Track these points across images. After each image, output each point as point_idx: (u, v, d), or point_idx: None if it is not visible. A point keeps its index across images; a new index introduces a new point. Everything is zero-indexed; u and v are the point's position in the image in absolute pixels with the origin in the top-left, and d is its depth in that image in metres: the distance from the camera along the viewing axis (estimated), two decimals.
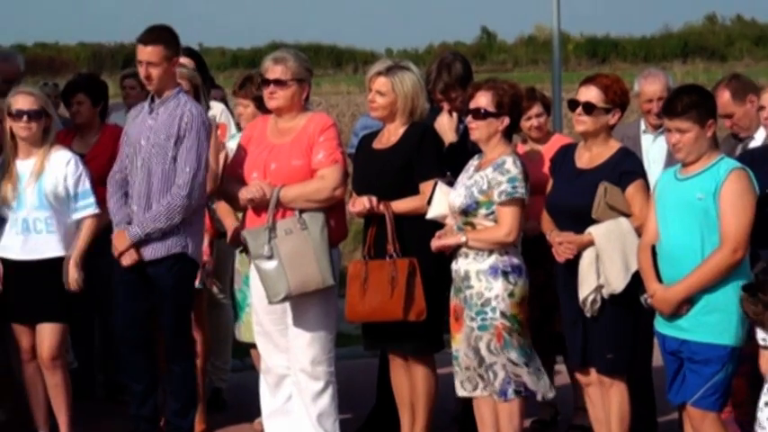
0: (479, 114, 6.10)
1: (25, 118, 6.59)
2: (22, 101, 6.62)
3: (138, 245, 6.37)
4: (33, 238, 6.62)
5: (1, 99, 7.25)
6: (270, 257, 6.17)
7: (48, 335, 6.65)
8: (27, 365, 6.79)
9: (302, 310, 6.31)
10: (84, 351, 7.58)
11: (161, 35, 6.44)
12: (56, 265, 6.62)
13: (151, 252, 6.40)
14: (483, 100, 6.09)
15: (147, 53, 6.38)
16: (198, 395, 6.79)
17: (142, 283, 6.46)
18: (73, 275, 6.60)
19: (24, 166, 6.65)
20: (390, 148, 6.42)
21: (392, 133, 6.46)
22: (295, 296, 6.19)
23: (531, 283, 6.13)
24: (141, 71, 6.42)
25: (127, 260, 6.39)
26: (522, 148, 7.03)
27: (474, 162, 6.18)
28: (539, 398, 6.15)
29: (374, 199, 6.28)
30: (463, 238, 6.03)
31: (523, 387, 6.05)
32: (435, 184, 6.19)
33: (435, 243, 6.11)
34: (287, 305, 6.31)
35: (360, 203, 6.32)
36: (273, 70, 6.34)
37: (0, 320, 6.86)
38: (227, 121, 7.57)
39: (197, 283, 6.83)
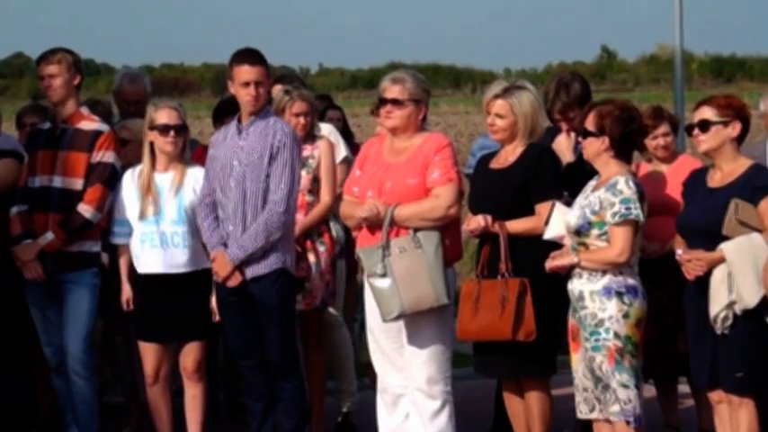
0: (585, 134, 6.09)
1: (172, 133, 6.72)
2: (167, 115, 6.73)
3: (239, 264, 6.44)
4: (171, 252, 6.71)
5: (131, 120, 7.42)
6: (383, 275, 6.19)
7: (192, 351, 6.78)
8: (150, 389, 6.89)
9: (417, 329, 6.31)
10: (207, 370, 7.67)
11: (260, 56, 6.53)
12: (195, 279, 6.71)
13: (253, 270, 6.44)
14: (588, 120, 6.09)
15: (255, 73, 6.45)
16: (310, 414, 6.81)
17: (247, 302, 6.52)
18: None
19: (163, 179, 6.76)
20: (508, 168, 6.41)
21: (510, 153, 6.44)
22: (409, 314, 6.19)
23: (651, 303, 6.06)
24: (249, 91, 6.43)
25: (232, 283, 6.45)
26: (645, 168, 6.95)
27: (592, 182, 6.14)
28: (642, 422, 6.04)
29: (489, 218, 6.28)
30: (576, 259, 5.99)
31: (632, 414, 5.96)
32: (553, 205, 6.16)
33: (549, 264, 6.09)
34: (402, 324, 6.31)
35: (474, 222, 6.32)
36: (391, 90, 6.38)
37: (127, 338, 7.02)
38: (336, 141, 7.61)
39: (317, 303, 6.90)
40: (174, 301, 6.70)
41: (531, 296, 6.16)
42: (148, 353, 6.84)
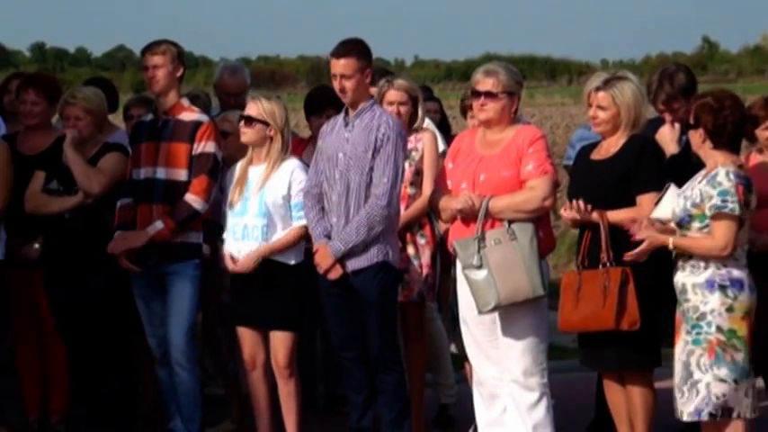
0: (687, 126, 6.06)
1: (242, 123, 6.78)
2: (248, 107, 6.83)
3: (341, 257, 6.45)
4: (249, 245, 6.74)
5: (232, 112, 7.47)
6: (479, 267, 6.18)
7: (281, 343, 6.78)
8: (250, 374, 6.94)
9: (512, 321, 6.29)
10: (306, 362, 7.72)
11: (353, 47, 6.53)
12: (285, 272, 6.73)
13: (355, 263, 6.46)
14: (690, 112, 6.04)
15: (340, 66, 6.48)
16: (410, 406, 6.80)
17: (349, 294, 6.53)
18: (246, 264, 6.69)
19: (254, 172, 6.81)
20: (609, 160, 6.34)
21: (612, 145, 6.38)
22: (504, 306, 6.18)
23: (761, 296, 5.95)
24: (336, 84, 6.51)
25: (333, 275, 6.47)
26: (755, 159, 6.85)
27: (700, 174, 6.06)
28: (733, 415, 5.93)
29: (587, 205, 6.22)
30: (670, 239, 5.91)
31: (721, 409, 5.87)
32: (668, 187, 6.08)
33: (638, 234, 5.99)
34: (496, 316, 6.30)
35: (571, 210, 6.26)
36: (484, 83, 6.35)
37: (228, 330, 7.07)
38: (435, 133, 7.58)
39: (414, 295, 6.89)
40: (261, 291, 6.73)
41: (633, 286, 6.09)
42: (245, 338, 6.89)
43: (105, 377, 7.05)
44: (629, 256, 6.01)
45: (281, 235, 6.72)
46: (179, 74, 7.03)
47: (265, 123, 6.75)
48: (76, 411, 7.48)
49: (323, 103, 7.61)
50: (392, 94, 7.06)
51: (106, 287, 6.96)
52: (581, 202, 6.22)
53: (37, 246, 7.14)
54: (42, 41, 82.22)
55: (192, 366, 6.96)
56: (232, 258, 6.75)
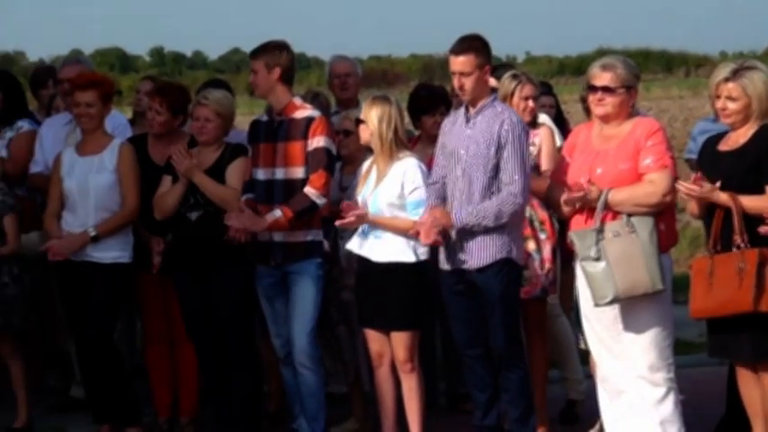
0: None
1: (361, 125, 6.77)
2: (363, 110, 6.85)
3: (461, 253, 6.41)
4: (369, 243, 6.77)
5: (353, 110, 7.50)
6: (597, 259, 6.11)
7: (402, 340, 6.79)
8: (376, 372, 6.94)
9: (634, 315, 6.20)
10: (426, 360, 7.69)
11: (472, 44, 6.48)
12: (400, 270, 6.72)
13: (478, 260, 6.44)
14: None
15: (459, 63, 6.44)
16: (534, 403, 6.75)
17: (471, 292, 6.50)
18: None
19: (372, 171, 6.84)
20: (738, 150, 6.20)
21: (741, 135, 6.24)
22: (623, 299, 6.10)
23: None
24: (455, 82, 6.47)
25: (431, 239, 6.39)
26: None
27: None
28: None
29: (714, 185, 6.08)
30: None
31: None
32: None
33: None
34: (617, 311, 6.21)
35: (701, 188, 6.12)
36: (601, 77, 6.27)
37: (350, 327, 7.09)
38: (552, 128, 7.52)
39: (537, 291, 6.84)
40: (380, 289, 6.73)
41: None
42: (370, 337, 6.91)
43: (232, 378, 7.11)
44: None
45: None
46: (277, 76, 7.00)
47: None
48: (204, 412, 7.56)
49: (435, 102, 7.64)
50: (528, 89, 7.01)
51: (233, 288, 7.02)
52: (713, 185, 6.08)
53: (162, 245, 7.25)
54: (161, 46, 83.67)
55: (315, 366, 6.98)
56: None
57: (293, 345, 6.95)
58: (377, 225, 6.75)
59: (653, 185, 6.12)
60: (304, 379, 6.98)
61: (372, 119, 6.78)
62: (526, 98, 7.00)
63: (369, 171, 6.87)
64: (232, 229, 6.84)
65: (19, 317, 7.46)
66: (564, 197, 6.20)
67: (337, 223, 6.80)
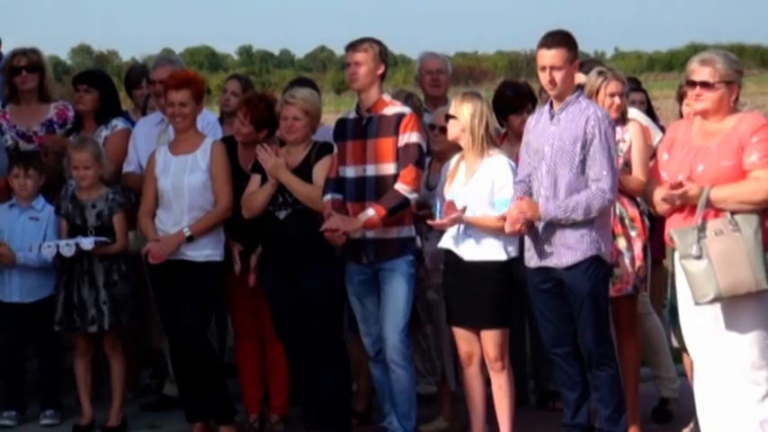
0: None
1: (451, 122, 6.76)
2: (452, 106, 6.84)
3: (548, 250, 6.39)
4: (459, 241, 6.74)
5: (444, 107, 7.48)
6: (698, 257, 6.00)
7: (492, 338, 6.77)
8: (466, 370, 6.93)
9: (735, 314, 6.08)
10: (515, 358, 7.66)
11: (563, 38, 6.45)
12: (492, 269, 6.71)
13: (566, 257, 6.40)
14: None
15: (549, 57, 6.40)
16: (625, 402, 6.70)
17: (559, 290, 6.47)
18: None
19: (460, 168, 6.83)
20: None
21: None
22: (725, 298, 6.00)
23: None
24: (544, 76, 6.43)
25: (515, 228, 6.37)
26: None
27: None
28: None
29: None
30: None
31: None
32: None
33: None
34: (718, 308, 6.10)
35: None
36: (700, 72, 6.16)
37: (437, 326, 7.09)
38: (648, 124, 7.45)
39: (629, 289, 6.79)
40: (470, 288, 6.72)
41: None
42: (459, 337, 6.89)
43: (321, 376, 7.13)
44: None
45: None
46: (380, 71, 7.04)
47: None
48: (294, 411, 7.61)
49: (521, 101, 7.65)
50: (614, 85, 6.94)
51: (321, 287, 7.04)
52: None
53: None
54: (249, 44, 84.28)
55: (406, 364, 6.97)
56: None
57: (385, 342, 6.96)
58: (471, 224, 6.73)
59: (758, 182, 5.99)
60: (396, 376, 6.98)
61: (464, 114, 6.77)
62: (612, 95, 6.94)
63: (456, 169, 6.87)
64: (327, 232, 6.87)
65: (127, 315, 7.57)
66: (662, 194, 6.12)
67: (432, 223, 6.79)
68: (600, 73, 7.01)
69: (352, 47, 7.03)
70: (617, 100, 6.95)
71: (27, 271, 7.71)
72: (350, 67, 7.02)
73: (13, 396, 7.84)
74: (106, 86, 8.27)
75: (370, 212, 6.82)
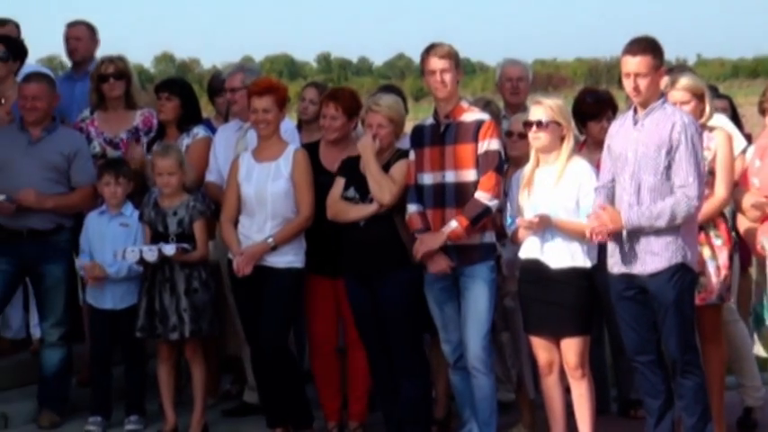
0: None
1: (533, 128, 6.73)
2: (532, 111, 6.79)
3: (632, 257, 6.32)
4: (545, 248, 6.71)
5: (521, 114, 7.45)
6: None
7: (573, 346, 6.73)
8: (546, 379, 6.89)
9: None
10: (596, 366, 7.60)
11: (648, 45, 6.37)
12: (577, 276, 6.68)
13: (651, 265, 6.33)
14: None
15: (634, 64, 6.33)
16: (710, 411, 6.59)
17: (643, 298, 6.40)
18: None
19: (543, 173, 6.78)
20: None
21: None
22: None
23: None
24: (629, 83, 6.36)
25: (602, 238, 6.32)
26: None
27: None
28: None
29: None
30: None
31: None
32: None
33: None
34: None
35: None
36: None
37: (514, 334, 7.05)
38: (732, 131, 7.35)
39: (713, 298, 6.71)
40: (553, 296, 6.68)
41: None
42: (538, 345, 6.85)
43: (402, 383, 7.12)
44: None
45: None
46: (459, 77, 7.04)
47: (558, 123, 6.71)
48: (372, 417, 7.62)
49: (601, 108, 7.62)
50: (674, 95, 6.83)
51: (402, 292, 7.03)
52: None
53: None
54: (328, 52, 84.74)
55: (488, 371, 6.94)
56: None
57: (467, 349, 6.92)
58: (558, 228, 6.68)
59: None
60: (477, 382, 6.94)
61: (567, 116, 6.75)
62: (683, 103, 6.79)
63: (531, 177, 6.81)
64: (418, 253, 6.86)
65: (207, 322, 7.61)
66: (753, 201, 6.04)
67: (520, 222, 6.75)
68: (670, 80, 6.96)
69: (434, 53, 6.94)
70: (686, 107, 6.81)
71: (118, 279, 7.80)
72: (435, 75, 6.96)
73: (100, 402, 7.93)
74: (187, 94, 8.33)
75: (453, 224, 6.80)
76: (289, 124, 8.16)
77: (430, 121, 7.11)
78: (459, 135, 6.94)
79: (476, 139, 6.89)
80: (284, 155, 7.36)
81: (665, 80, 6.89)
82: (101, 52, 9.22)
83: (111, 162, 8.07)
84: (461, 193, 6.88)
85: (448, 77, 6.95)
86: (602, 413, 7.39)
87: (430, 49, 7.01)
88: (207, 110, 9.37)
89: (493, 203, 6.84)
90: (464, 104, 7.05)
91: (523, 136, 7.02)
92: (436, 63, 6.96)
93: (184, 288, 7.54)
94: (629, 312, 6.47)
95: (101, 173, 7.91)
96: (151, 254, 7.45)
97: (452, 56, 6.99)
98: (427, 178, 7.00)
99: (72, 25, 9.38)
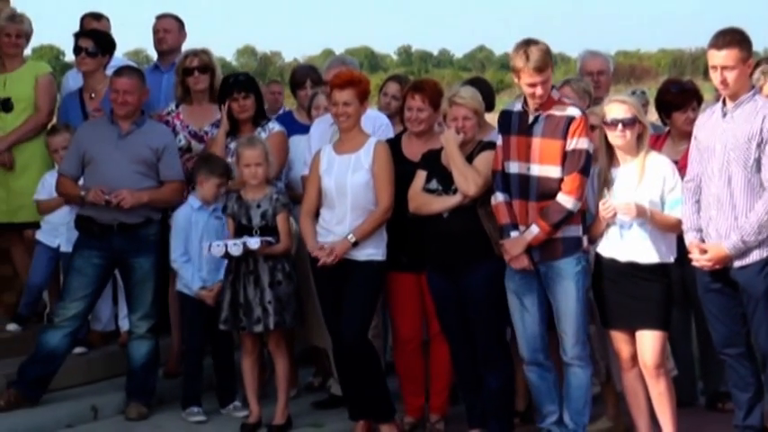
0: None
1: (620, 126, 6.64)
2: (615, 109, 6.69)
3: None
4: (627, 241, 6.65)
5: (598, 106, 7.36)
6: None
7: (649, 342, 6.65)
8: (627, 373, 6.83)
9: None
10: (683, 358, 7.54)
11: (735, 37, 6.30)
12: (662, 271, 6.62)
13: (740, 257, 6.27)
14: None
15: (722, 57, 6.26)
16: None
17: (731, 291, 6.34)
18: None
19: (619, 172, 6.72)
20: None
21: None
22: None
23: None
24: (716, 76, 6.28)
25: (708, 266, 6.31)
26: None
27: None
28: None
29: None
30: None
31: None
32: None
33: None
34: None
35: None
36: None
37: (599, 326, 7.00)
38: None
39: None
40: (635, 291, 6.63)
41: None
42: (618, 340, 6.80)
43: (485, 375, 7.10)
44: None
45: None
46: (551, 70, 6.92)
47: (640, 122, 6.68)
48: (453, 410, 7.60)
49: (686, 99, 7.55)
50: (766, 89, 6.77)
51: (484, 285, 7.00)
52: None
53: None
54: (408, 44, 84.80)
55: (586, 364, 6.87)
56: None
57: (563, 342, 6.82)
58: (653, 220, 6.59)
59: None
60: (575, 373, 6.85)
61: (643, 113, 6.68)
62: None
63: (607, 174, 6.73)
64: (507, 256, 6.82)
65: (291, 314, 7.64)
66: None
67: (611, 205, 6.67)
68: (764, 73, 6.86)
69: (530, 50, 6.69)
70: None
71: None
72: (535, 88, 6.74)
73: (196, 392, 7.97)
74: (258, 89, 8.38)
75: (535, 230, 6.74)
76: (383, 119, 8.15)
77: (518, 107, 6.94)
78: (547, 129, 6.79)
79: (565, 136, 6.75)
80: (365, 147, 7.36)
81: (756, 73, 6.82)
82: (187, 45, 9.31)
83: (204, 159, 8.06)
84: (545, 189, 6.78)
85: (545, 76, 6.72)
86: (690, 406, 7.32)
87: (525, 46, 6.72)
88: (288, 102, 9.39)
89: (575, 206, 6.72)
90: (554, 95, 6.90)
91: (593, 128, 6.90)
92: (535, 65, 6.68)
93: (268, 280, 7.57)
94: (717, 305, 6.40)
95: (197, 172, 7.93)
96: (236, 248, 7.48)
97: (547, 52, 6.78)
98: (513, 167, 6.89)
99: (161, 17, 9.57)
